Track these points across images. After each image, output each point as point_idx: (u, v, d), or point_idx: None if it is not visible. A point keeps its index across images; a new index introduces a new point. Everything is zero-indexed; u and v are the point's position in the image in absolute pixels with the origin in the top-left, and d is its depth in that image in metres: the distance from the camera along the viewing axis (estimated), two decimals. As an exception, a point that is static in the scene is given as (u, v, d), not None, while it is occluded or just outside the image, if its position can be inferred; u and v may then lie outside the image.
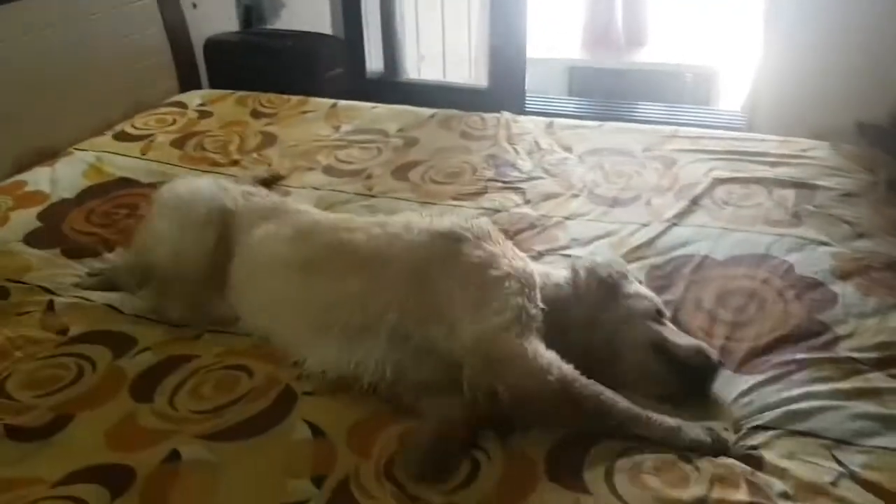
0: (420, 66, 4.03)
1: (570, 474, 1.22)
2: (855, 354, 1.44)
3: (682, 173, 2.15)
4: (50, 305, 1.63)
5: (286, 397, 1.40)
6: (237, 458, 1.28)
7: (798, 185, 2.04)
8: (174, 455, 1.28)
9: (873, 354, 1.44)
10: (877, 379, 1.38)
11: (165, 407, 1.40)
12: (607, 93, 3.56)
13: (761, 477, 1.18)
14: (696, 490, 1.16)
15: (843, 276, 1.67)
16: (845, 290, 1.62)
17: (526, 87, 3.38)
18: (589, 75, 3.72)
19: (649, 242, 1.84)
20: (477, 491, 1.20)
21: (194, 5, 3.11)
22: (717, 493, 1.15)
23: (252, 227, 1.66)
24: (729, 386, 1.40)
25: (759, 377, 1.40)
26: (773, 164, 2.17)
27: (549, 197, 2.08)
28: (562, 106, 3.47)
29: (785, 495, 1.15)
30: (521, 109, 3.16)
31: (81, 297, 1.67)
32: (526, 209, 2.02)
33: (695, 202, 2.00)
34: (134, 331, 1.58)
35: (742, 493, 1.15)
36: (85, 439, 1.32)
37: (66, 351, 1.52)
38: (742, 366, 1.44)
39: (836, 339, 1.49)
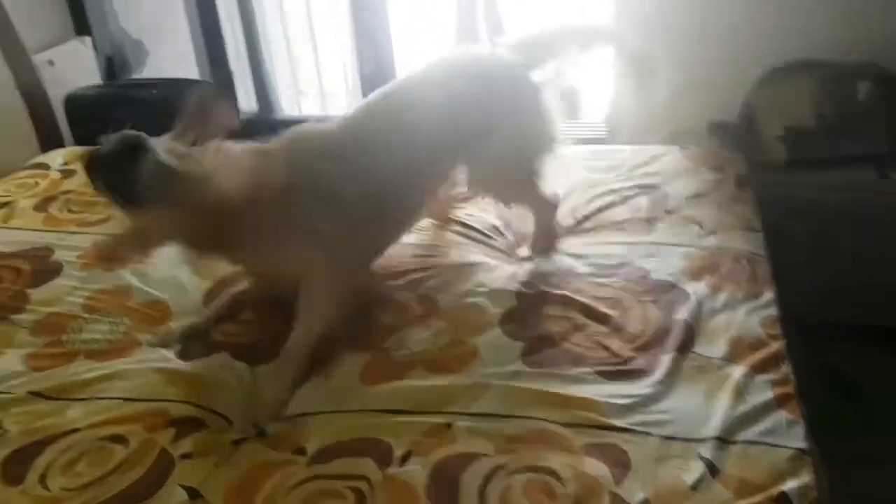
0: (300, 101, 4.03)
1: (449, 500, 1.25)
2: (709, 353, 1.53)
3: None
4: None
5: (162, 463, 1.38)
6: (112, 534, 1.25)
7: (650, 190, 2.16)
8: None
9: (725, 349, 1.54)
10: (734, 373, 1.47)
11: (36, 488, 1.36)
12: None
13: (624, 486, 1.24)
14: (561, 507, 1.22)
15: (695, 275, 1.78)
16: (697, 289, 1.72)
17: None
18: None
19: (512, 260, 1.91)
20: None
21: (51, 62, 3.02)
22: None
23: None
24: (601, 392, 1.45)
25: (626, 384, 1.47)
26: (627, 174, 2.28)
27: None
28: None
29: (646, 502, 1.21)
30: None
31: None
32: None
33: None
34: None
35: (604, 500, 1.21)
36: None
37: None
38: (612, 375, 1.50)
39: (693, 338, 1.58)
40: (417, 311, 1.72)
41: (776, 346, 1.54)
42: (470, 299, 1.74)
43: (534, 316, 1.68)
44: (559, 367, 1.52)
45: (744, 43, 2.70)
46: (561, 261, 1.89)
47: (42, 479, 1.37)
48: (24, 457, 1.42)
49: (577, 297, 1.72)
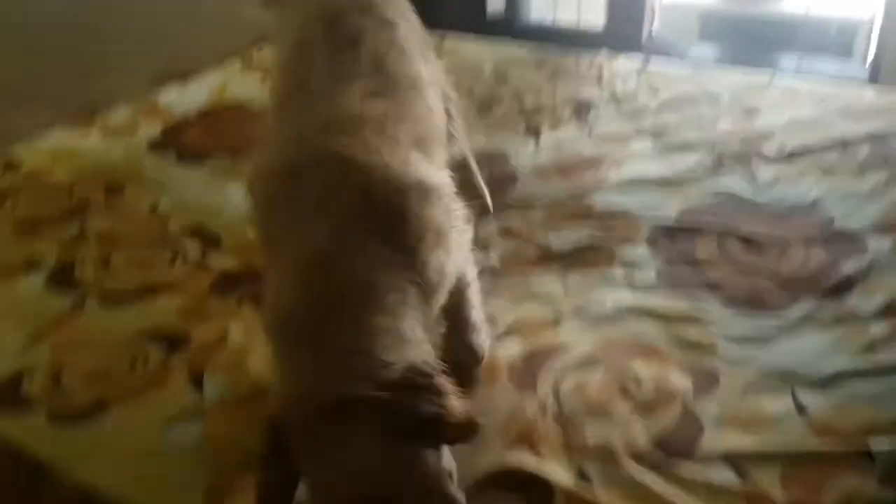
0: (553, 7, 4.03)
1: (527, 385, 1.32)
2: (861, 306, 1.44)
3: (759, 124, 2.12)
4: (155, 206, 1.94)
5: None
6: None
7: (876, 138, 1.97)
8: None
9: (879, 307, 1.43)
10: (874, 330, 1.38)
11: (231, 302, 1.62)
12: (739, 41, 3.45)
13: (701, 402, 1.25)
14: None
15: (884, 229, 1.64)
16: (880, 245, 1.60)
17: (652, 31, 3.35)
18: (722, 22, 3.60)
19: (695, 183, 1.86)
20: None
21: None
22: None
23: None
24: (720, 321, 1.44)
25: (752, 315, 1.44)
26: (859, 117, 2.08)
27: (615, 138, 2.13)
28: (687, 51, 3.40)
29: (717, 420, 1.22)
30: (637, 52, 3.14)
31: (182, 197, 1.97)
32: (588, 146, 2.09)
33: (757, 151, 1.98)
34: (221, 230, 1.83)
35: (674, 412, 1.24)
36: (160, 306, 1.60)
37: (166, 236, 1.82)
38: (741, 306, 1.47)
39: (849, 290, 1.48)
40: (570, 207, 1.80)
41: (941, 313, 1.40)
42: (628, 214, 1.77)
43: (685, 238, 1.66)
44: (688, 288, 1.52)
45: None
46: (742, 190, 1.82)
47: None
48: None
49: (739, 228, 1.67)
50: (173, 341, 1.50)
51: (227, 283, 1.67)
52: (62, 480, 1.22)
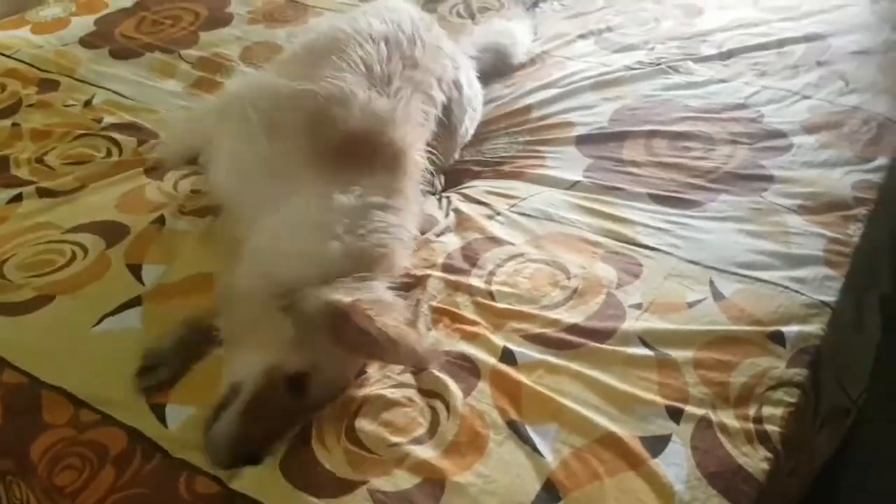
0: None
1: (464, 271, 1.40)
2: (779, 200, 1.50)
3: (701, 22, 2.13)
4: (89, 101, 1.91)
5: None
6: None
7: (812, 39, 1.99)
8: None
9: (797, 201, 1.50)
10: (791, 222, 1.45)
11: (168, 187, 1.65)
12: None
13: (625, 290, 1.32)
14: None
15: (811, 129, 1.69)
16: (804, 142, 1.65)
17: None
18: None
19: (631, 81, 1.89)
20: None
21: None
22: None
23: None
24: (643, 215, 1.49)
25: (673, 209, 1.50)
26: (798, 18, 2.10)
27: (558, 37, 2.13)
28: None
29: (638, 306, 1.29)
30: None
31: (117, 93, 1.94)
32: (533, 46, 2.10)
33: (695, 52, 2.00)
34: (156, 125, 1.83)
35: (598, 299, 1.30)
36: (98, 199, 1.60)
37: (100, 134, 1.80)
38: (663, 200, 1.52)
39: (769, 184, 1.54)
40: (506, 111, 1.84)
41: (858, 210, 1.48)
42: (562, 116, 1.79)
43: (615, 138, 1.70)
44: (613, 185, 1.57)
45: None
46: (677, 94, 1.85)
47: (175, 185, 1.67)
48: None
49: (668, 127, 1.71)
50: (112, 233, 1.50)
51: (163, 172, 1.69)
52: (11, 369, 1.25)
